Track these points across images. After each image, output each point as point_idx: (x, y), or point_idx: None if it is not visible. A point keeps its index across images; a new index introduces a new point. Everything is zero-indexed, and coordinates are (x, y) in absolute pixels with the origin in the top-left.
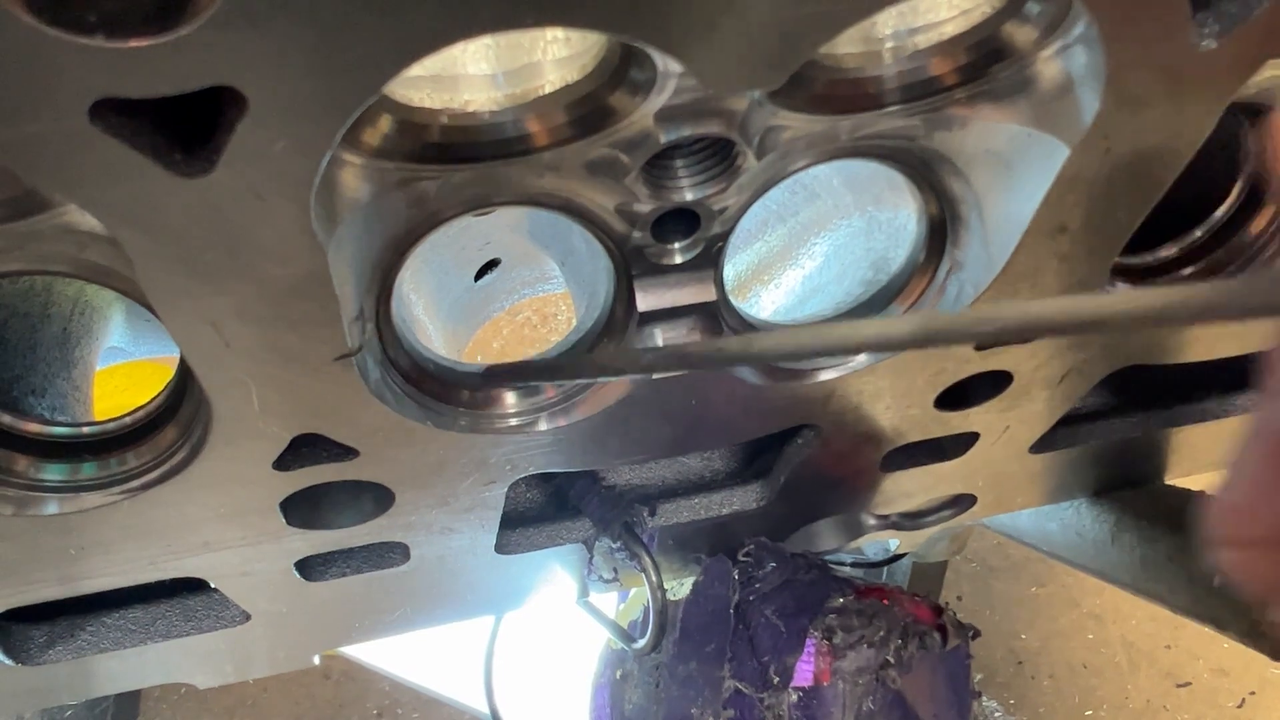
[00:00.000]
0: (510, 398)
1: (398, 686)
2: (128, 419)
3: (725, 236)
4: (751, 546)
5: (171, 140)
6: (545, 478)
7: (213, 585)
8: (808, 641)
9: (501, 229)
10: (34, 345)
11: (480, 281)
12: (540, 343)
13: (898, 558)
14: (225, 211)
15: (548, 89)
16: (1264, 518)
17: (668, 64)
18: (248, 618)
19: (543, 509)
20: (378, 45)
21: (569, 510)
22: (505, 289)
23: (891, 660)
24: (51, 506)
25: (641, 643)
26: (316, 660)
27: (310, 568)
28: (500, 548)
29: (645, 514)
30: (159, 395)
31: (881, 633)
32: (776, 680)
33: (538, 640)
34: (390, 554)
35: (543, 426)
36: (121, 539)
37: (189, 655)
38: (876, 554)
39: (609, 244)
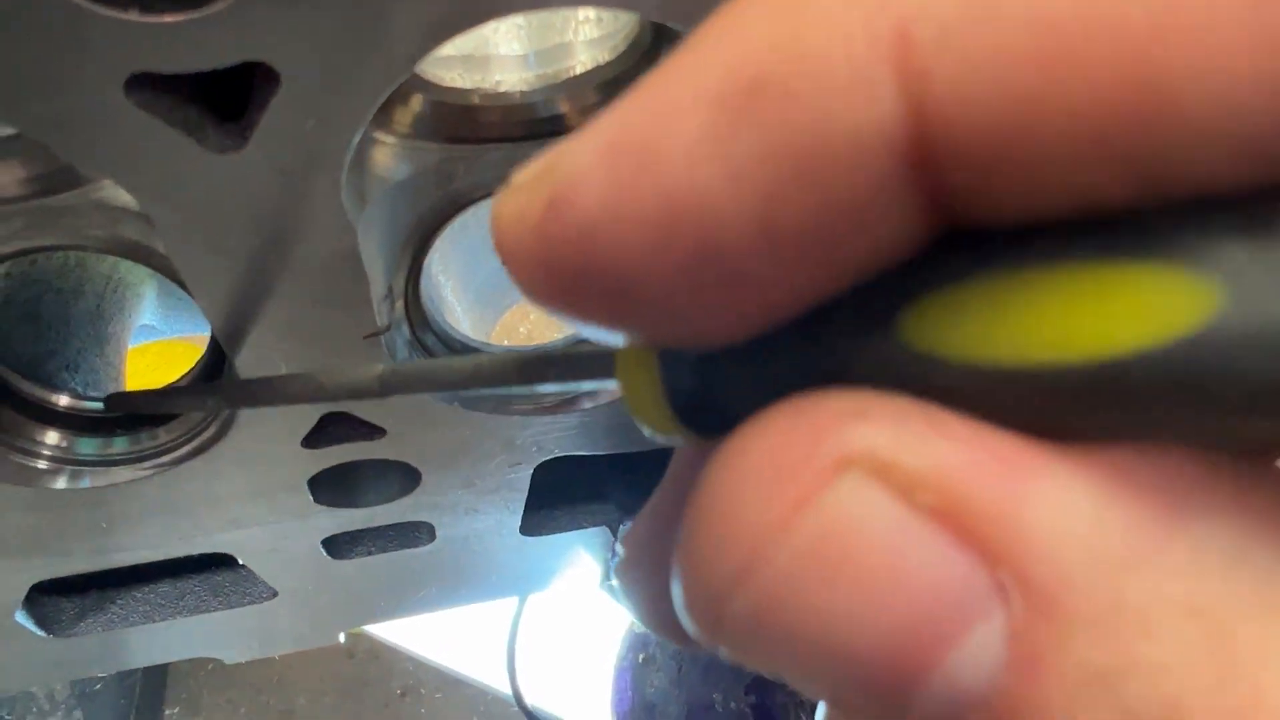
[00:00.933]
0: None
1: (421, 666)
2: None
3: None
4: None
5: (204, 115)
6: (570, 460)
7: (240, 561)
8: None
9: None
10: (67, 321)
11: None
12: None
13: None
14: (255, 188)
15: (579, 69)
16: (646, 546)
17: None
18: (275, 594)
19: (568, 492)
20: (411, 22)
21: (593, 493)
22: None
23: None
24: (83, 480)
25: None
26: (341, 638)
27: (337, 546)
28: (525, 529)
29: None
30: (190, 372)
31: None
32: None
33: (561, 622)
34: (416, 533)
35: (584, 406)
36: (150, 514)
37: (216, 630)
38: None
39: None
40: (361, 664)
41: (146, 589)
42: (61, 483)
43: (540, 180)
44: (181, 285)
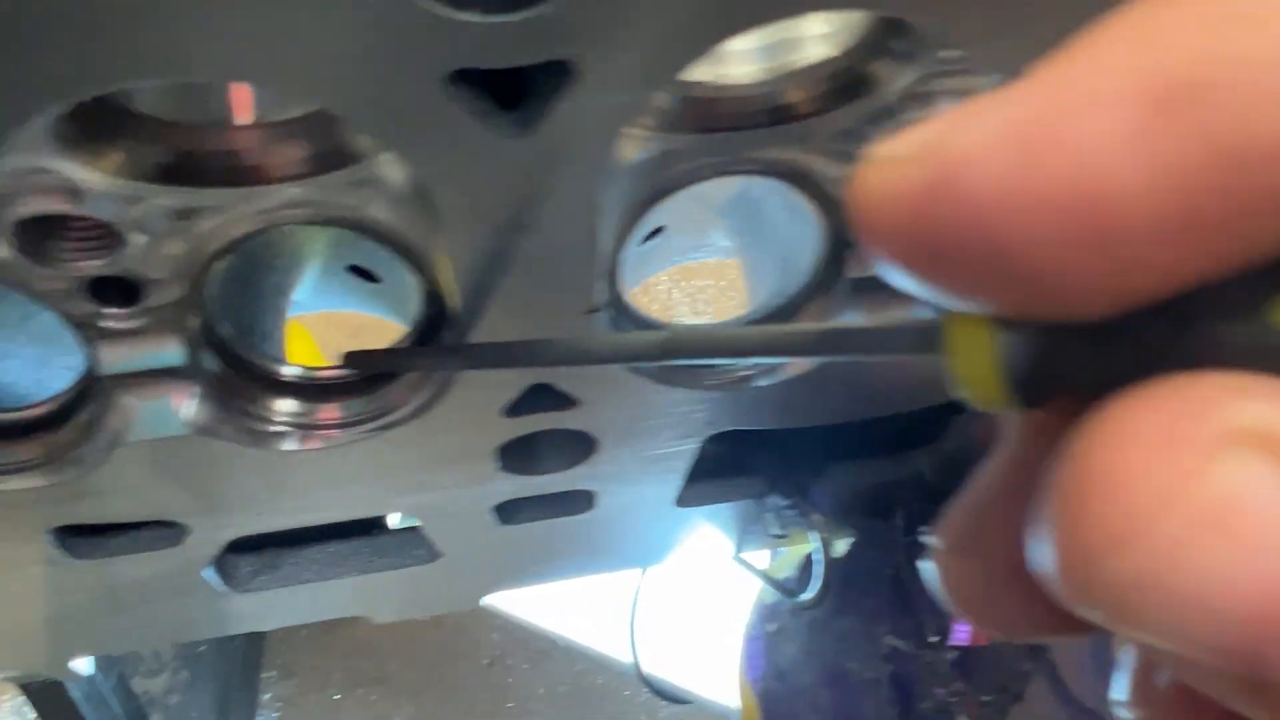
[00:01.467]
0: None
1: (508, 638)
2: None
3: None
4: (908, 511)
5: (494, 102)
6: (726, 434)
7: (419, 524)
8: None
9: (684, 198)
10: (264, 293)
11: (645, 245)
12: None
13: None
14: (529, 173)
15: (806, 61)
16: (970, 529)
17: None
18: (436, 556)
19: (717, 464)
20: (712, 14)
21: (742, 467)
22: (662, 254)
23: None
24: (293, 443)
25: (807, 596)
26: (483, 602)
27: (507, 511)
28: (680, 501)
29: (814, 474)
30: (408, 339)
31: None
32: (934, 639)
33: (676, 592)
34: (577, 501)
35: (758, 384)
36: (351, 476)
37: (370, 590)
38: None
39: (832, 209)
40: (449, 634)
41: (316, 549)
42: (290, 444)
43: (921, 156)
44: (412, 259)
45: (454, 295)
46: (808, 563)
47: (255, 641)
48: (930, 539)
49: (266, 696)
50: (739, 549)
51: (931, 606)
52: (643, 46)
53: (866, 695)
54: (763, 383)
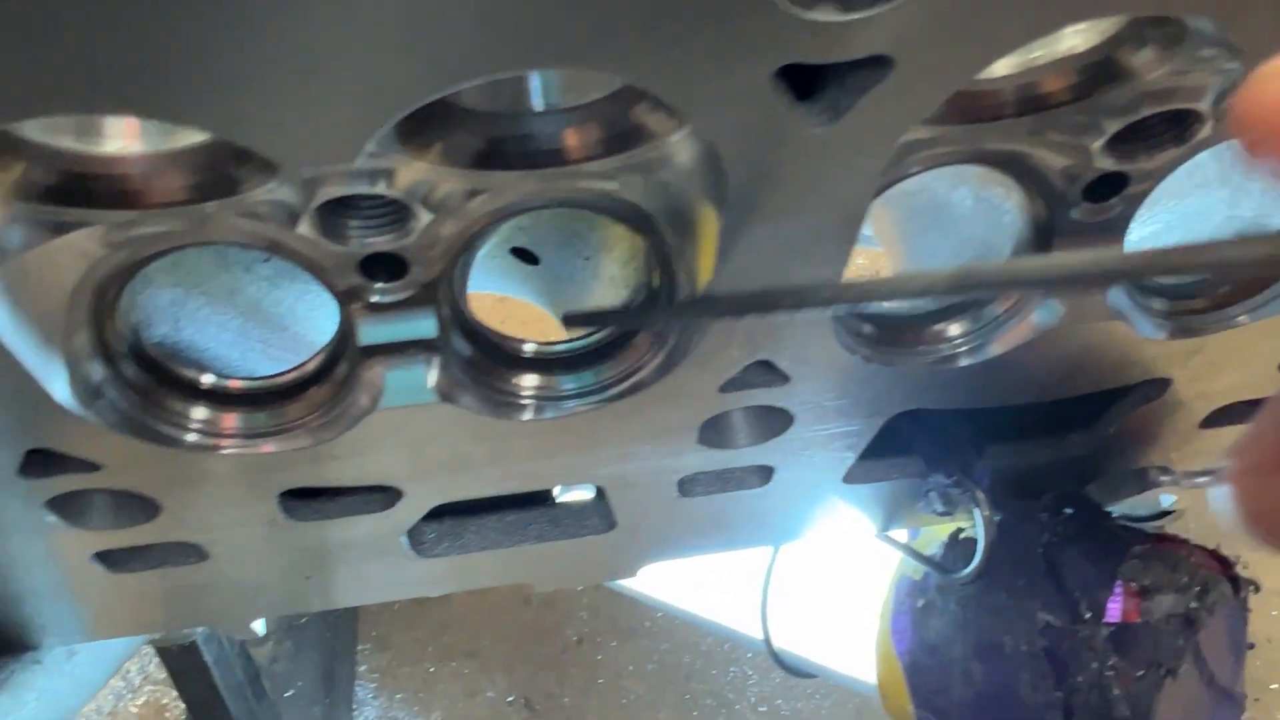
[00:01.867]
0: (954, 328)
1: (596, 615)
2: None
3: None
4: (1056, 493)
5: (796, 92)
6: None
7: (606, 494)
8: (1115, 583)
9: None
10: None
11: None
12: None
13: (1165, 514)
14: (822, 158)
15: (1059, 54)
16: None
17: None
18: (611, 527)
19: (879, 444)
20: (1029, 15)
21: (903, 447)
22: None
23: (1194, 606)
24: (531, 413)
25: (967, 572)
26: (639, 573)
27: (687, 484)
28: (846, 478)
29: (975, 453)
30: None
31: (1184, 580)
32: (1088, 615)
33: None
34: (755, 475)
35: (962, 363)
36: (566, 446)
37: (536, 559)
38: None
39: (1046, 196)
40: (538, 612)
41: (495, 518)
42: (528, 415)
43: None
44: (657, 235)
45: (705, 270)
46: (953, 540)
47: (351, 614)
48: (1227, 462)
49: (363, 668)
50: (885, 526)
51: (1083, 584)
52: (956, 45)
53: (1021, 668)
54: (966, 362)
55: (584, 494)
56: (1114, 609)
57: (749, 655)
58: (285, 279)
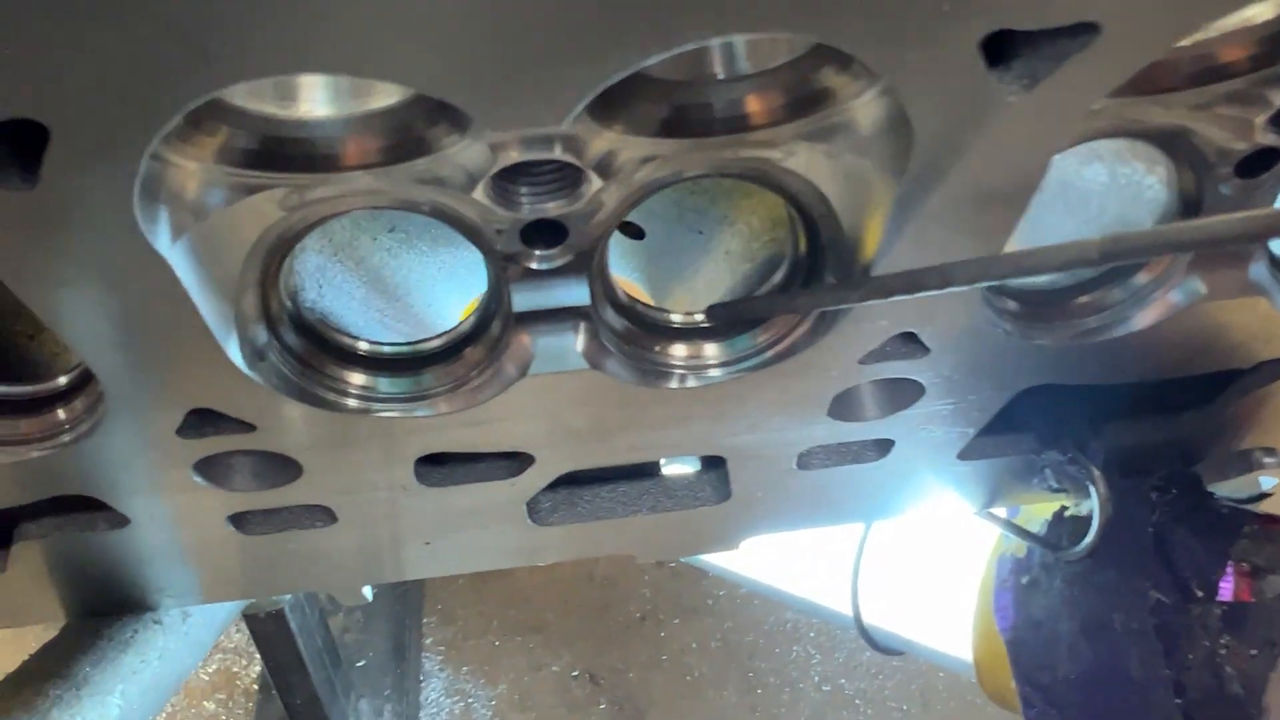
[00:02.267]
0: (1095, 302)
1: (659, 592)
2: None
3: None
4: (1164, 472)
5: (989, 58)
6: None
7: (727, 465)
8: (1227, 562)
9: None
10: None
11: None
12: None
13: (1264, 496)
14: (1010, 125)
15: (1241, 23)
16: None
17: None
18: (725, 499)
19: (996, 421)
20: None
21: (1015, 424)
22: None
23: None
24: (676, 381)
25: (1079, 549)
26: (739, 547)
27: (807, 457)
28: (961, 454)
29: (1090, 430)
30: (773, 286)
31: None
32: (1200, 594)
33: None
34: (870, 450)
35: (1099, 338)
36: (699, 414)
37: (640, 530)
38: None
39: (1197, 170)
40: (601, 588)
41: (609, 488)
42: (674, 383)
43: None
44: (801, 208)
45: (871, 244)
46: (1058, 518)
47: (418, 586)
48: None
49: (428, 640)
50: (986, 504)
51: (1194, 563)
52: (1165, 10)
53: (1131, 646)
54: (1104, 337)
55: (687, 467)
56: (1226, 588)
57: (812, 634)
58: (403, 249)
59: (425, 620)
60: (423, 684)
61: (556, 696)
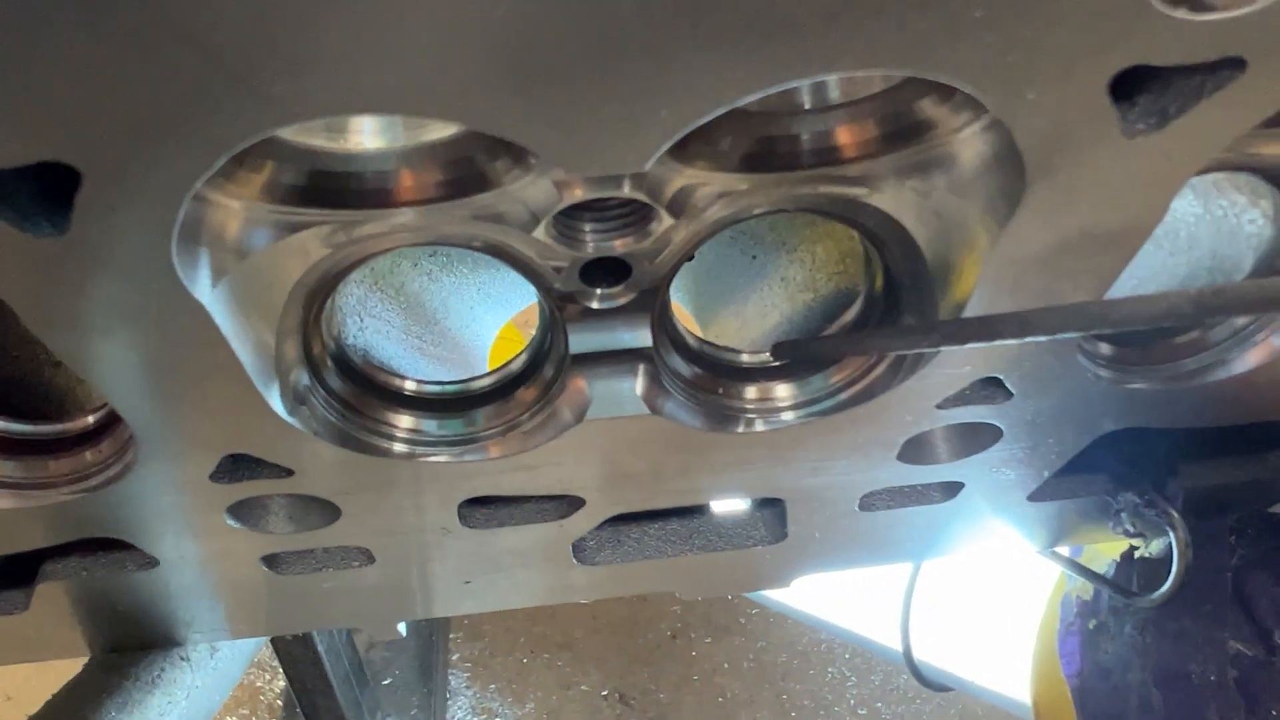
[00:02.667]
0: (1218, 333)
1: (690, 610)
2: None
3: None
4: (1241, 513)
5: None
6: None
7: (785, 506)
8: None
9: None
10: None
11: None
12: None
13: None
14: (1132, 163)
15: None
16: None
17: None
18: (781, 539)
19: (1071, 462)
20: None
21: (1089, 464)
22: None
23: None
24: (743, 425)
25: (1158, 595)
26: (791, 586)
27: (870, 499)
28: (1032, 496)
29: (1167, 471)
30: (845, 325)
31: None
32: None
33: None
34: (937, 492)
35: (1195, 381)
36: (761, 458)
37: (686, 569)
38: None
39: None
40: (631, 606)
41: (657, 527)
42: (741, 427)
43: None
44: (881, 246)
45: (965, 286)
46: (1126, 560)
47: None
48: None
49: (455, 657)
50: (1050, 544)
51: (1275, 611)
52: None
53: (1209, 699)
54: (1200, 381)
55: (738, 504)
56: None
57: (847, 656)
58: (443, 273)
59: (452, 636)
60: (449, 702)
61: (585, 716)
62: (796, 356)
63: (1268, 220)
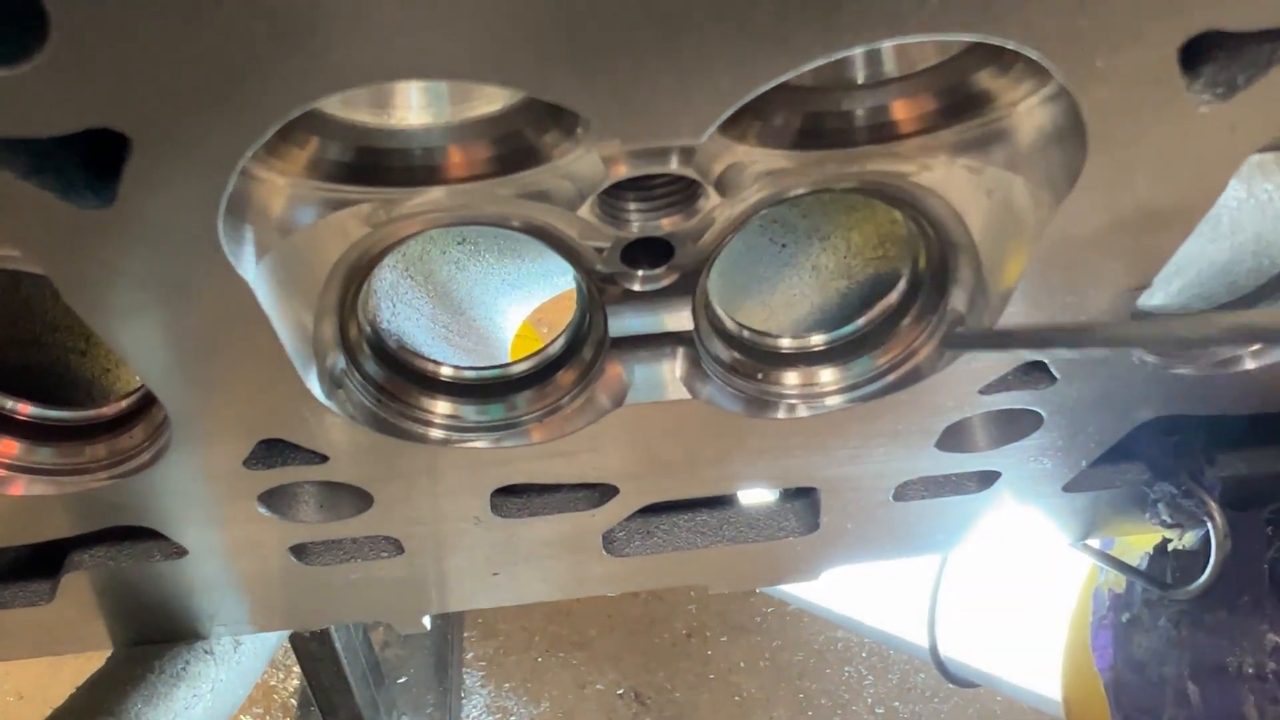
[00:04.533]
0: None
1: (705, 609)
2: (863, 323)
3: None
4: (1278, 505)
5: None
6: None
7: (819, 494)
8: None
9: None
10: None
11: None
12: None
13: None
14: (1196, 136)
15: None
16: None
17: None
18: (813, 529)
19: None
20: None
21: (1126, 454)
22: None
23: None
24: (785, 410)
25: (1195, 587)
26: (820, 578)
27: (905, 489)
28: (1068, 486)
29: (1205, 461)
30: (888, 299)
31: None
32: None
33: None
34: (972, 481)
35: (1243, 367)
36: (799, 445)
37: (714, 562)
38: None
39: None
40: (645, 604)
41: (687, 518)
42: (782, 413)
43: None
44: (929, 227)
45: (1016, 262)
46: (1159, 552)
47: None
48: None
49: (469, 655)
50: (1082, 536)
51: None
52: None
53: (1248, 692)
54: (1249, 366)
55: (767, 494)
56: None
57: (864, 654)
58: (470, 261)
59: (466, 635)
60: (464, 701)
61: (601, 715)
62: (973, 347)
63: None
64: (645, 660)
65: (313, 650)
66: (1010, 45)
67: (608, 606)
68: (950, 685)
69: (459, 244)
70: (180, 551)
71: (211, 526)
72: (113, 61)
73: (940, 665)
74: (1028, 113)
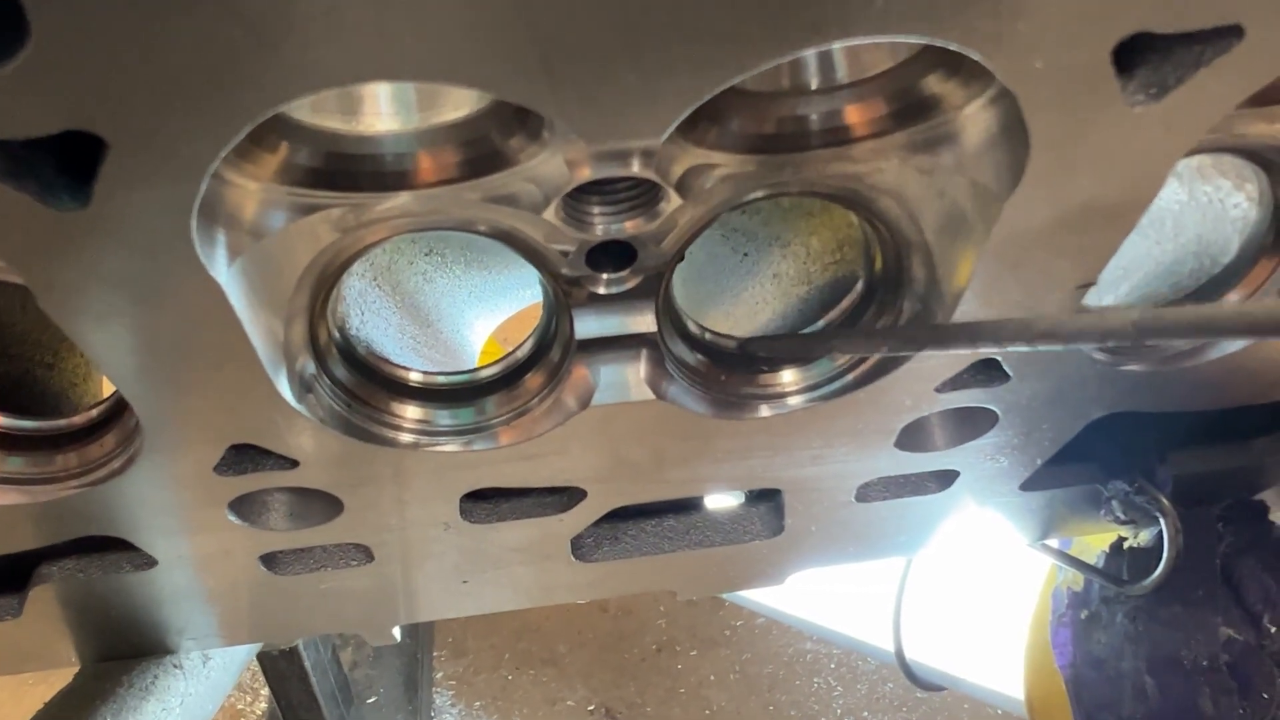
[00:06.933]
0: None
1: (674, 623)
2: (823, 325)
3: None
4: (1229, 502)
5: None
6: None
7: (782, 498)
8: None
9: None
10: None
11: None
12: None
13: None
14: (1129, 136)
15: None
16: None
17: None
18: (778, 533)
19: (1060, 452)
20: None
21: (1078, 454)
22: None
23: None
24: (751, 411)
25: (1147, 583)
26: (787, 583)
27: (866, 489)
28: (1024, 485)
29: (1156, 459)
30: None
31: None
32: (1274, 629)
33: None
34: (932, 481)
35: (1185, 364)
36: (763, 446)
37: (680, 567)
38: None
39: None
40: (615, 620)
41: (654, 523)
42: (746, 413)
43: None
44: (883, 229)
45: (966, 261)
46: (1115, 550)
47: (427, 622)
48: None
49: (439, 674)
50: (1040, 536)
51: (1265, 596)
52: None
53: (1202, 684)
54: (1190, 363)
55: (732, 499)
56: None
57: (832, 665)
58: (438, 273)
59: (436, 654)
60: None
61: None
62: (770, 354)
63: (1252, 203)
64: (615, 676)
65: (281, 669)
66: (953, 46)
67: (577, 622)
68: (918, 694)
69: (426, 255)
70: (150, 562)
71: (182, 535)
72: (91, 64)
73: (906, 669)
74: (974, 115)
